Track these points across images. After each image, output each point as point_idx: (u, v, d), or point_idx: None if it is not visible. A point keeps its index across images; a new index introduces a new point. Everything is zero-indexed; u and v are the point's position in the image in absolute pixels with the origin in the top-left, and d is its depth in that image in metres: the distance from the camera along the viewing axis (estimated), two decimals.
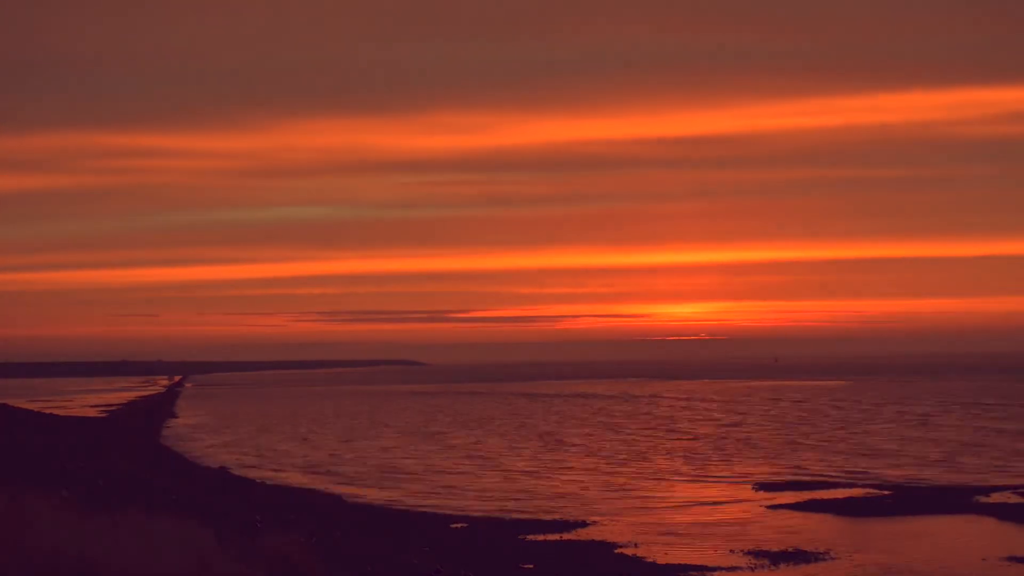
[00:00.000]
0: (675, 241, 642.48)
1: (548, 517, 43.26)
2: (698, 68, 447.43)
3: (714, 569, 32.27)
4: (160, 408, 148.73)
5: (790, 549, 35.07)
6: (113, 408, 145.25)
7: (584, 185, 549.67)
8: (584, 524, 41.21)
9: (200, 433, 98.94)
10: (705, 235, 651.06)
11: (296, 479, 59.52)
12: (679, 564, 33.05)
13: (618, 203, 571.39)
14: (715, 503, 47.26)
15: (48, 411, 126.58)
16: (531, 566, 31.95)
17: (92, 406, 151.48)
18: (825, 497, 47.51)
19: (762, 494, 49.38)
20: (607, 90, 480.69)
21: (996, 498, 46.28)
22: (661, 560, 33.70)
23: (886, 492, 48.69)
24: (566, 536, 38.35)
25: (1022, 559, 33.15)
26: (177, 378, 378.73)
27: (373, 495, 51.70)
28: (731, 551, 35.04)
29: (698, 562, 33.31)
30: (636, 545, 36.37)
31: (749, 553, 34.58)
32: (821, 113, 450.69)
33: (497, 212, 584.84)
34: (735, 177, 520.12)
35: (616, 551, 35.15)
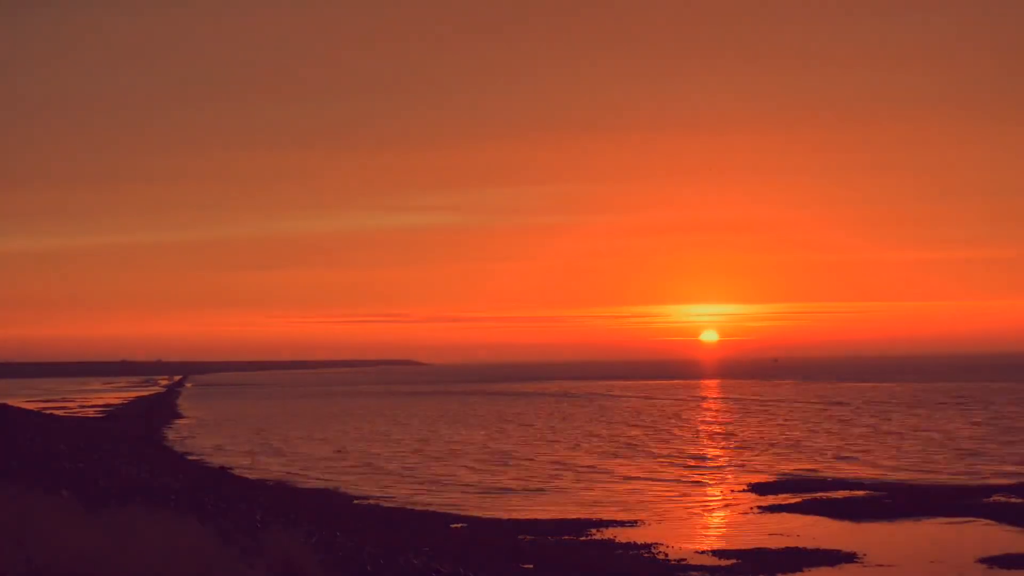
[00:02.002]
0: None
1: (548, 517, 43.30)
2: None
3: (714, 569, 32.29)
4: (160, 408, 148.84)
5: (790, 550, 35.12)
6: (113, 408, 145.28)
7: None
8: (584, 524, 41.24)
9: (200, 432, 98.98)
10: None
11: (296, 478, 59.57)
12: (680, 563, 33.07)
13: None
14: (716, 503, 47.31)
15: (48, 411, 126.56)
16: (531, 566, 31.96)
17: (92, 406, 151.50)
18: (825, 498, 47.52)
19: (761, 495, 49.40)
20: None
21: (997, 499, 46.28)
22: (661, 559, 33.73)
23: (885, 493, 48.70)
24: (566, 536, 38.38)
25: (1018, 560, 33.15)
26: (177, 378, 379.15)
27: (374, 495, 51.74)
28: (731, 551, 35.05)
29: (698, 562, 33.33)
30: (637, 545, 36.40)
31: (750, 553, 34.60)
32: None
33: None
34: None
35: (617, 551, 35.18)
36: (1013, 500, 45.63)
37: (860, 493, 48.62)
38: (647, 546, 36.26)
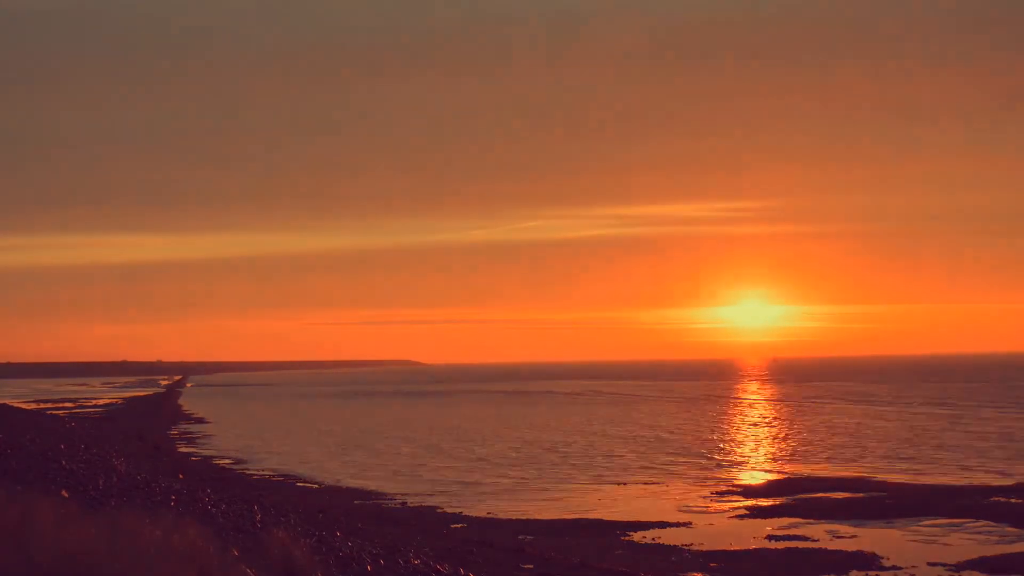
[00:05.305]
0: None
1: (548, 517, 43.31)
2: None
3: (716, 571, 32.28)
4: (161, 407, 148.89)
5: (791, 551, 35.13)
6: (113, 408, 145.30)
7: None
8: (585, 524, 41.24)
9: (200, 432, 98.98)
10: None
11: (297, 478, 59.55)
12: (681, 563, 33.07)
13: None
14: (718, 504, 47.29)
15: (48, 411, 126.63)
16: (531, 566, 31.95)
17: (92, 406, 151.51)
18: (825, 499, 47.54)
19: (763, 496, 49.42)
20: None
21: (996, 499, 46.27)
22: (662, 559, 33.72)
23: (885, 493, 48.70)
24: (566, 537, 38.37)
25: (1018, 561, 33.15)
26: (177, 378, 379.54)
27: (374, 495, 51.74)
28: (732, 552, 35.06)
29: (700, 563, 33.32)
30: (638, 545, 36.40)
31: (750, 555, 34.61)
32: None
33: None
34: None
35: (617, 551, 35.18)
36: (1012, 500, 45.62)
37: (860, 495, 48.60)
38: (648, 547, 36.27)
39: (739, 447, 75.29)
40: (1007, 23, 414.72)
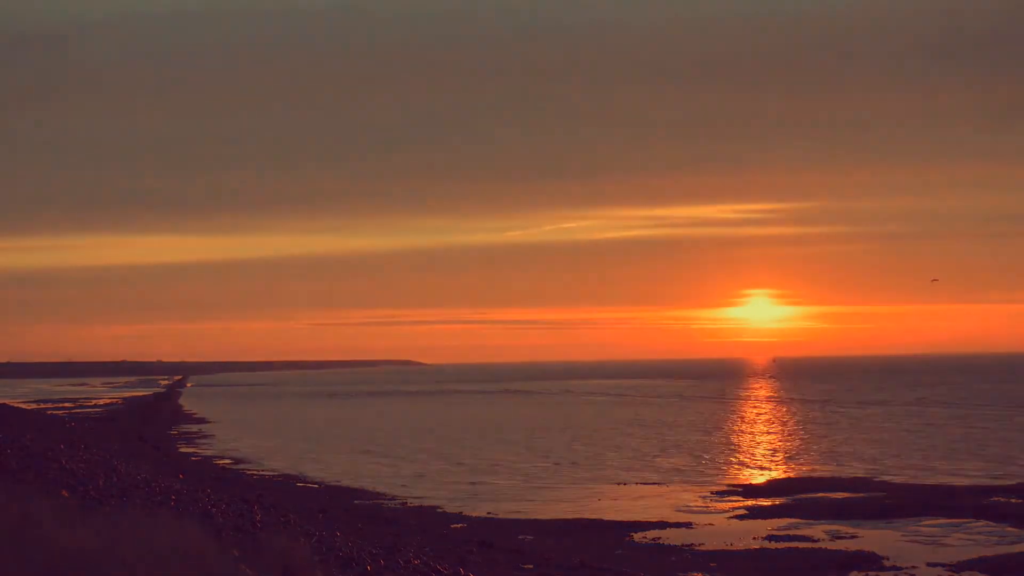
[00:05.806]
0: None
1: (548, 517, 43.30)
2: None
3: (716, 571, 32.27)
4: (161, 407, 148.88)
5: (792, 551, 35.12)
6: (113, 408, 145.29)
7: None
8: (585, 524, 41.23)
9: (200, 432, 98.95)
10: None
11: (298, 478, 59.54)
12: (681, 563, 33.06)
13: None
14: (717, 504, 47.27)
15: (48, 411, 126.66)
16: (531, 566, 31.96)
17: (92, 406, 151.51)
18: (825, 499, 47.52)
19: (763, 496, 49.40)
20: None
21: (997, 499, 46.26)
22: (662, 559, 33.71)
23: (885, 493, 48.68)
24: (566, 537, 38.37)
25: (1018, 561, 33.14)
26: (177, 378, 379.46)
27: (374, 495, 51.73)
28: (733, 552, 35.04)
29: (700, 563, 33.31)
30: (638, 546, 36.39)
31: (751, 554, 34.60)
32: None
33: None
34: None
35: (617, 552, 35.17)
36: (1012, 500, 45.60)
37: (860, 495, 48.59)
38: (648, 547, 36.25)
39: (740, 447, 75.26)
40: (1014, 35, 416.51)
